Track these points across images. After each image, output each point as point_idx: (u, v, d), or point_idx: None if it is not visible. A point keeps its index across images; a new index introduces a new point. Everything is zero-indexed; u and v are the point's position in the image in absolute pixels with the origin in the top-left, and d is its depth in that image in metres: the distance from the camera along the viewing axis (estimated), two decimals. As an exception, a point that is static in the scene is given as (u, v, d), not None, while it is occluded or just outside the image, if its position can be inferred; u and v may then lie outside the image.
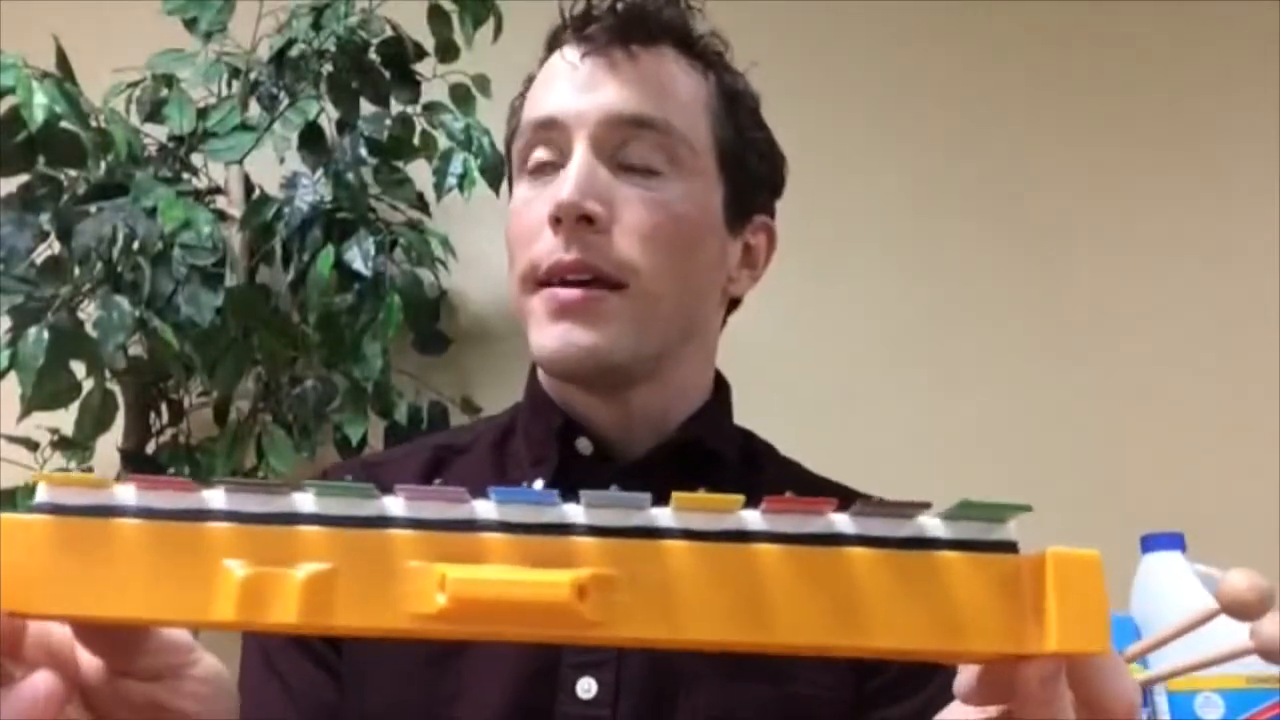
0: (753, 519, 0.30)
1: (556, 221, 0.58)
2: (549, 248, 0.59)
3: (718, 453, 0.66)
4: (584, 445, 0.63)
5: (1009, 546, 0.30)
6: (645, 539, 0.30)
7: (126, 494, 0.31)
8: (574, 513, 0.30)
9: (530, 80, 0.67)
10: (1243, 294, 1.45)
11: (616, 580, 0.29)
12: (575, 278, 0.58)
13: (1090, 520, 1.32)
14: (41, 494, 0.31)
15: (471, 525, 0.30)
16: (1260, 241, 1.46)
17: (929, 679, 0.42)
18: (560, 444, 0.64)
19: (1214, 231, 1.48)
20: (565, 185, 0.58)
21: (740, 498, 0.31)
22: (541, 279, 0.59)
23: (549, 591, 0.29)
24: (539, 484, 0.63)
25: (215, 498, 0.31)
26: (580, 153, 0.59)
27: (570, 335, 0.58)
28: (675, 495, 0.31)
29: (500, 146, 1.29)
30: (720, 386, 0.70)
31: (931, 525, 0.31)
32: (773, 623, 0.29)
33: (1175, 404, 1.42)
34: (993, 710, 0.34)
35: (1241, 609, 0.34)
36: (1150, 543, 0.99)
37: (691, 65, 0.64)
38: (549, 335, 0.59)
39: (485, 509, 0.30)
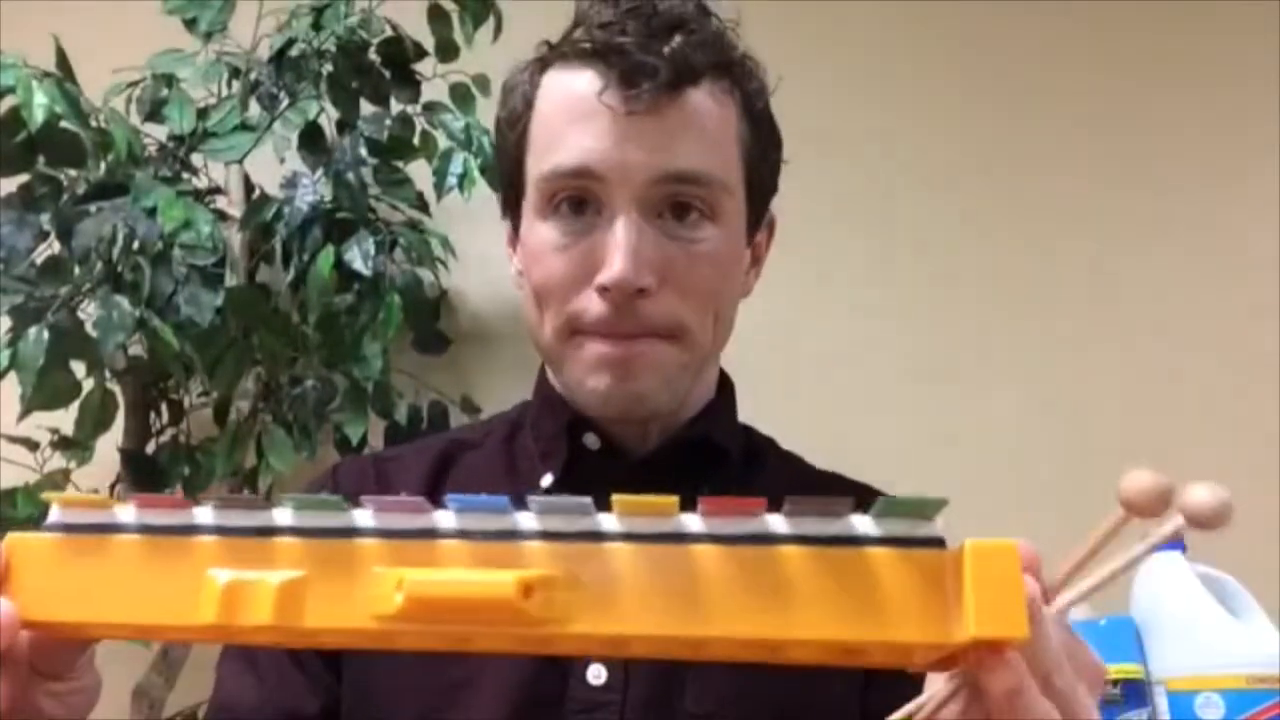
0: (691, 521, 0.32)
1: (604, 290, 0.57)
2: (596, 312, 0.58)
3: (724, 449, 0.67)
4: (592, 441, 0.64)
5: (936, 542, 0.32)
6: (590, 542, 0.32)
7: (127, 512, 0.34)
8: (524, 519, 0.32)
9: (534, 68, 0.63)
10: (1243, 293, 1.45)
11: (560, 580, 0.31)
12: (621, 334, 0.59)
13: (1090, 520, 1.32)
14: (53, 514, 0.34)
15: (432, 533, 0.32)
16: (1262, 241, 1.46)
17: None
18: (569, 440, 0.64)
19: (1215, 231, 1.48)
20: (617, 258, 0.56)
21: (675, 500, 0.32)
22: (584, 330, 0.60)
23: (496, 589, 0.31)
24: (548, 479, 0.64)
25: (204, 513, 0.34)
26: (627, 217, 0.57)
27: (617, 387, 0.59)
28: (616, 499, 0.32)
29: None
30: (724, 384, 0.71)
31: (861, 523, 0.32)
32: (708, 618, 0.31)
33: (1175, 403, 1.42)
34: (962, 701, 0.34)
35: (1143, 509, 0.33)
36: (1150, 543, 0.99)
37: (723, 90, 0.62)
38: (598, 383, 0.60)
39: (444, 518, 0.33)
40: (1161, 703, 0.92)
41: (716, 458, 0.66)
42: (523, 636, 0.31)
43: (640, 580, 0.31)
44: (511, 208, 0.66)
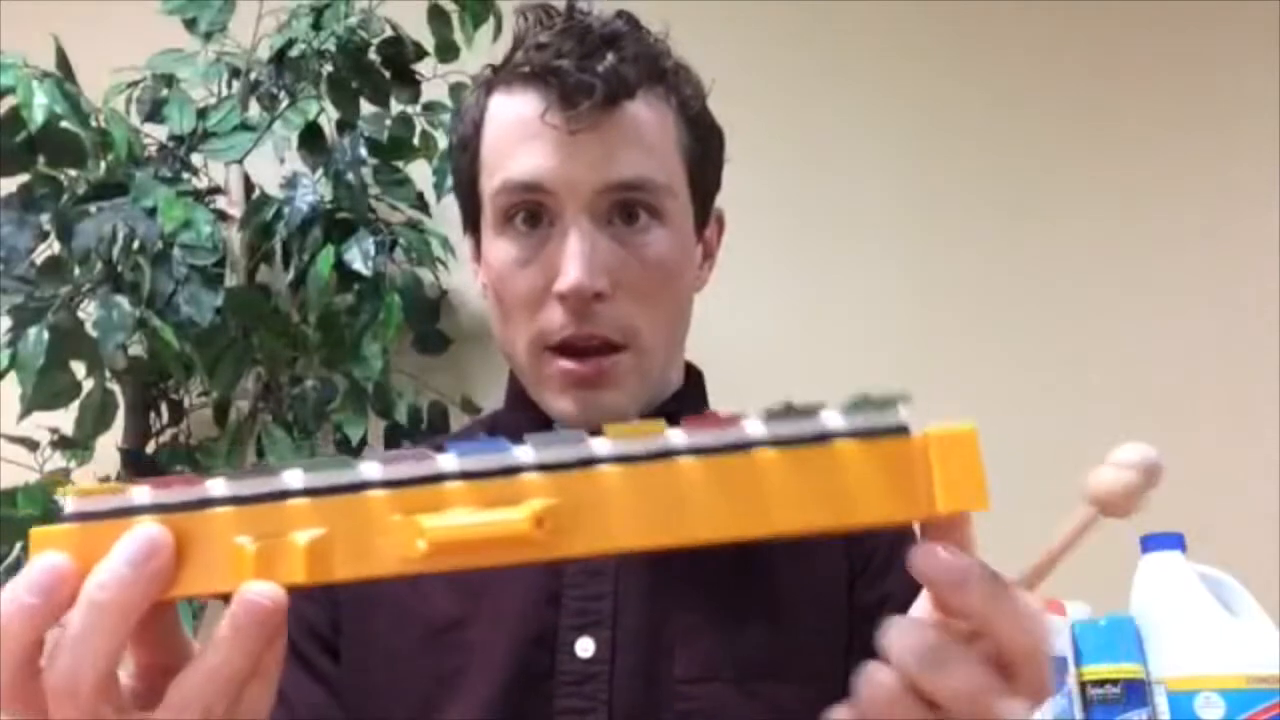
0: (676, 437, 0.35)
1: (563, 297, 0.61)
2: (559, 321, 0.62)
3: None
4: None
5: (901, 430, 0.35)
6: (585, 469, 0.34)
7: (141, 494, 0.35)
8: (523, 453, 0.35)
9: (480, 91, 0.66)
10: (1243, 293, 1.45)
11: (563, 507, 0.34)
12: (582, 344, 0.62)
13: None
14: (69, 506, 0.35)
15: (438, 478, 0.35)
16: (1261, 240, 1.46)
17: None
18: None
19: (1215, 230, 1.48)
20: (571, 266, 0.60)
21: (662, 422, 0.35)
22: (552, 347, 0.63)
23: (511, 527, 0.34)
24: None
25: (217, 486, 0.35)
26: (579, 227, 0.61)
27: (588, 403, 0.63)
28: (607, 426, 0.35)
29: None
30: (691, 374, 0.74)
31: (831, 419, 0.35)
32: (694, 525, 0.34)
33: (1175, 404, 1.42)
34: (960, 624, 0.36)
35: (1115, 508, 0.35)
36: (1150, 543, 0.99)
37: (659, 98, 0.64)
38: (566, 403, 0.63)
39: (448, 461, 0.35)
40: (1161, 702, 0.92)
41: None
42: (533, 557, 0.35)
43: (631, 498, 0.34)
44: (472, 226, 0.70)
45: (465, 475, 0.34)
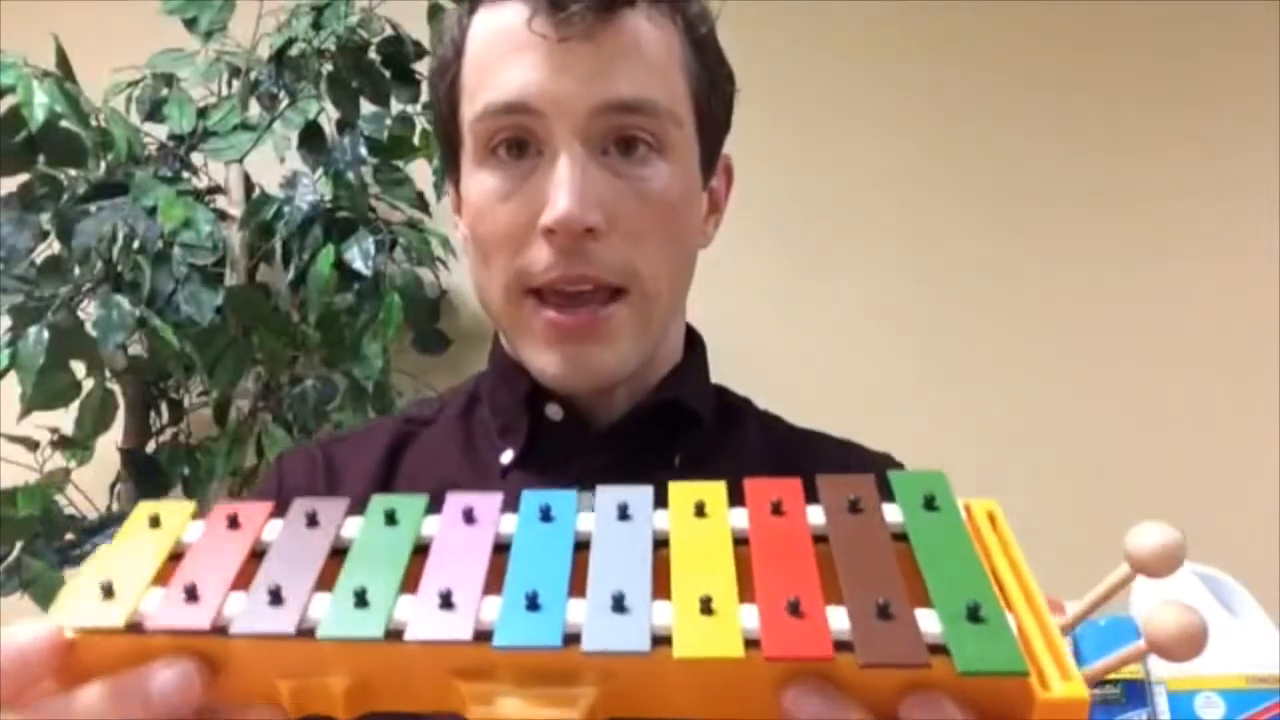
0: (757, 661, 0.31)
1: (550, 232, 0.53)
2: (544, 261, 0.53)
3: (695, 412, 0.62)
4: (554, 412, 0.59)
5: (1017, 674, 0.30)
6: (638, 654, 0.31)
7: (152, 600, 0.33)
8: (575, 627, 0.32)
9: (462, 11, 0.58)
10: (1243, 294, 1.45)
11: (614, 691, 0.32)
12: (572, 288, 0.54)
13: (1091, 520, 1.32)
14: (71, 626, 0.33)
15: (482, 636, 0.31)
16: (1260, 242, 1.46)
17: None
18: (529, 411, 0.60)
19: (1215, 232, 1.48)
20: (561, 195, 0.52)
21: (740, 646, 0.31)
22: (533, 289, 0.55)
23: None
24: (508, 455, 0.60)
25: (236, 606, 0.33)
26: (570, 152, 0.53)
27: (577, 361, 0.55)
28: (679, 655, 0.31)
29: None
30: (693, 342, 0.66)
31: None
32: (750, 710, 0.31)
33: (1175, 404, 1.42)
34: None
35: (1153, 565, 0.33)
36: (1150, 542, 0.99)
37: (661, 14, 0.56)
38: (550, 360, 0.56)
39: (491, 612, 0.32)
40: (1161, 702, 0.92)
41: (687, 421, 0.61)
42: None
43: (687, 683, 0.31)
44: (452, 166, 0.61)
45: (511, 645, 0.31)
